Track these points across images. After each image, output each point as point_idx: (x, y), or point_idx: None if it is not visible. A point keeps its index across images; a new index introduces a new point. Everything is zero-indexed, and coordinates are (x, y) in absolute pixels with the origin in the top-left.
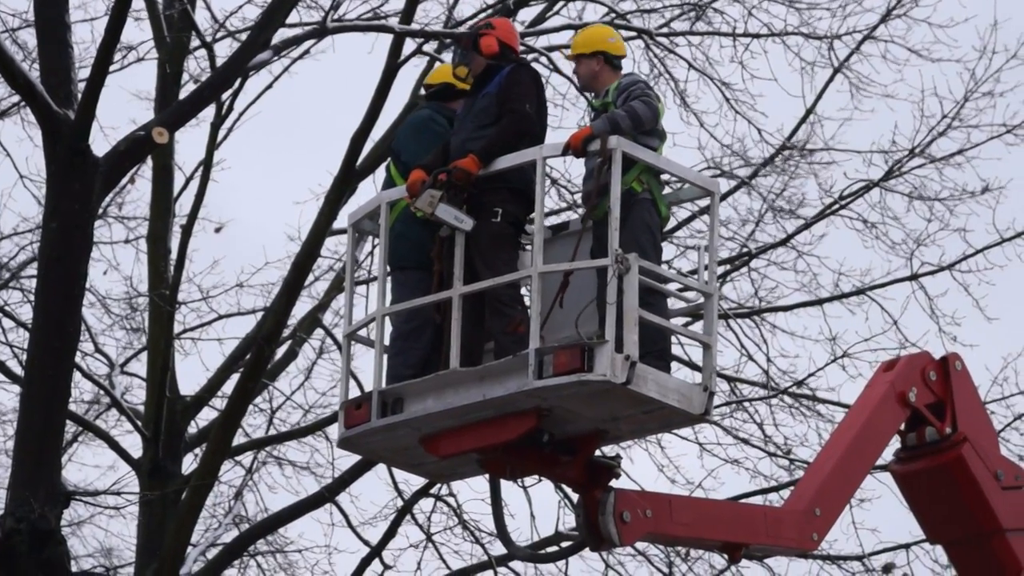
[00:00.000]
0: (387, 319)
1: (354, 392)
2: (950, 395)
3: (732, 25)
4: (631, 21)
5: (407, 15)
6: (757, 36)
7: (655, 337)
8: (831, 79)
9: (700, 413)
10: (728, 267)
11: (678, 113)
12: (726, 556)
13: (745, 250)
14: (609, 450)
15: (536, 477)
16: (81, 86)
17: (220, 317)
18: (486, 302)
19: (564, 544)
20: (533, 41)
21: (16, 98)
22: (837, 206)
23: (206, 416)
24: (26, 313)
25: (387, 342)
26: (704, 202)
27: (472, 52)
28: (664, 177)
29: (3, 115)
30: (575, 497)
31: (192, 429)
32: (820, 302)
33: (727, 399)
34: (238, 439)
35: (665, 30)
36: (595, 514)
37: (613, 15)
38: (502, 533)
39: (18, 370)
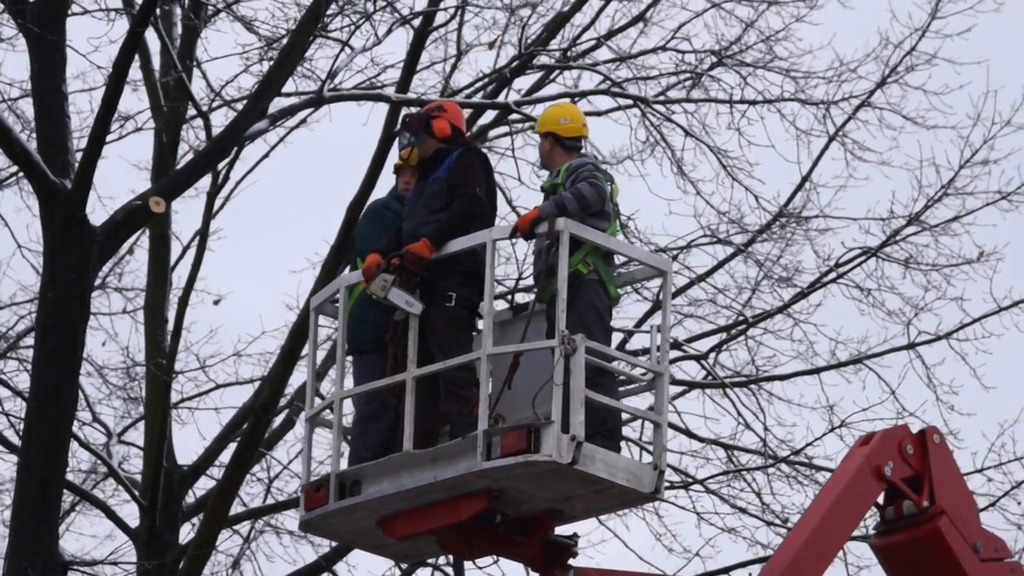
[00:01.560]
0: (349, 402)
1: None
2: (927, 468)
3: (728, 92)
4: (627, 89)
5: (403, 84)
6: (753, 103)
7: (604, 417)
8: (827, 146)
9: (651, 491)
10: (725, 335)
11: (674, 181)
12: None
13: (742, 318)
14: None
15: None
16: (78, 156)
17: (218, 386)
18: (441, 385)
19: None
20: (530, 110)
21: (14, 168)
22: (834, 274)
23: (203, 485)
24: (23, 382)
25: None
26: None
27: (423, 135)
28: (618, 259)
29: (1, 185)
30: None
31: (189, 498)
32: (817, 371)
33: (725, 468)
34: (235, 508)
35: (661, 98)
36: None
37: (609, 83)
38: None
39: (15, 440)
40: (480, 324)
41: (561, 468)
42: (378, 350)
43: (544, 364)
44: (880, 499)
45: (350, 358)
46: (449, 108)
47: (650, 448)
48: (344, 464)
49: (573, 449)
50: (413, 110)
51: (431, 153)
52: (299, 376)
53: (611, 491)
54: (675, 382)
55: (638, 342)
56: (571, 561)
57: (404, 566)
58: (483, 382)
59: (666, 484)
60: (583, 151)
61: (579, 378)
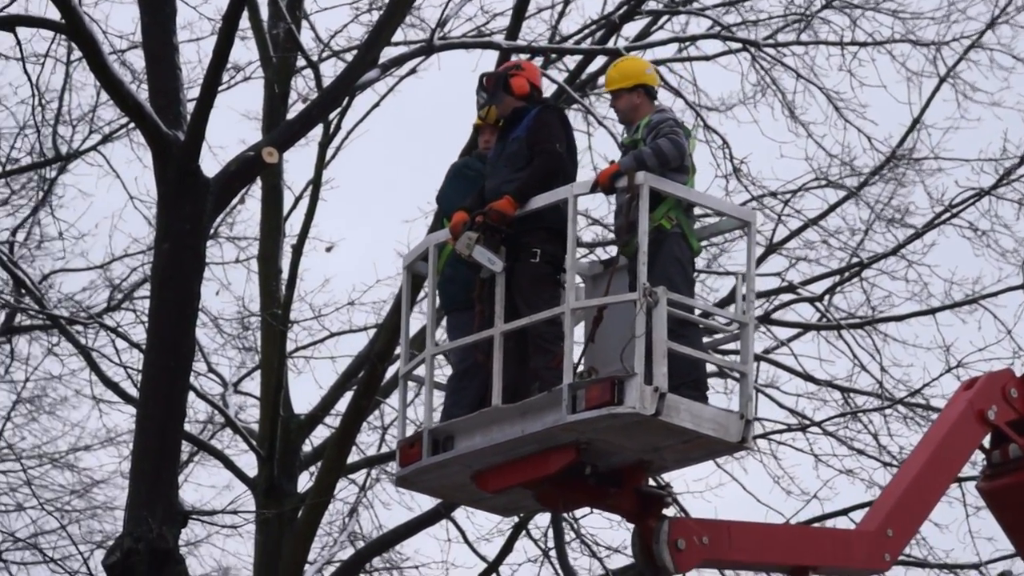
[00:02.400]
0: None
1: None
2: None
3: (839, 34)
4: (737, 33)
5: (512, 32)
6: (864, 44)
7: (689, 368)
8: (938, 87)
9: (738, 441)
10: (839, 277)
11: (786, 124)
12: None
13: (856, 260)
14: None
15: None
16: (190, 107)
17: (332, 335)
18: (529, 341)
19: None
20: (640, 55)
21: (125, 120)
22: (947, 215)
23: (320, 434)
24: (139, 334)
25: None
26: None
27: (502, 93)
28: (698, 211)
29: (112, 137)
30: None
31: (307, 447)
32: (932, 311)
33: (841, 409)
34: (352, 457)
35: (771, 41)
36: (650, 543)
37: (719, 28)
38: (562, 561)
39: (133, 391)
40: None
41: (645, 419)
42: (469, 308)
43: (632, 318)
44: (986, 443)
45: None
46: (527, 67)
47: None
48: (438, 420)
49: (656, 400)
50: (524, 57)
51: (509, 112)
52: (414, 323)
53: (698, 441)
54: (790, 324)
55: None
56: (665, 511)
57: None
58: (568, 336)
59: (782, 427)
60: (660, 105)
61: (661, 330)
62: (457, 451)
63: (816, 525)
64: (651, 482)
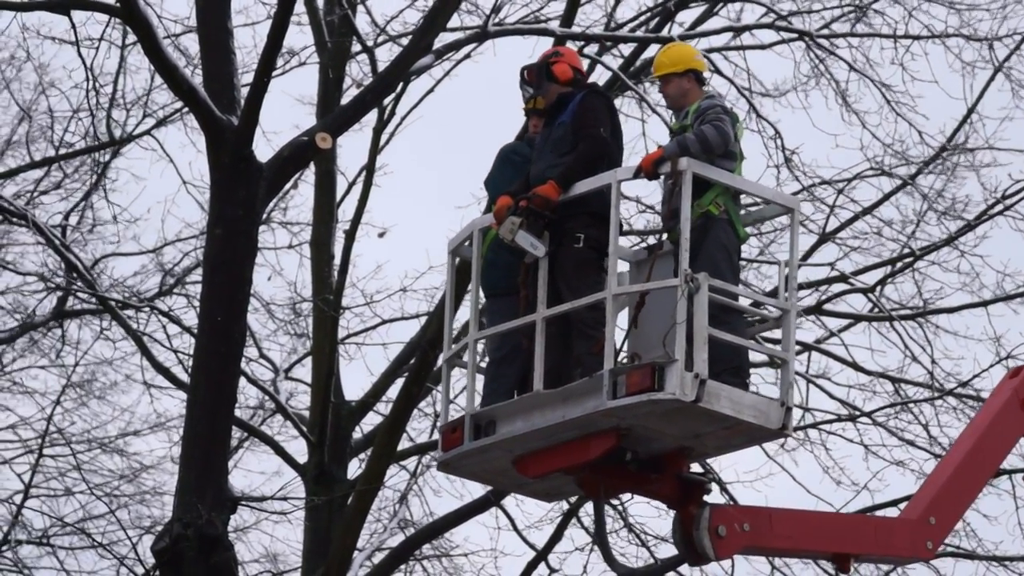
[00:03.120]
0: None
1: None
2: None
3: (893, 27)
4: (791, 22)
5: (567, 18)
6: (918, 38)
7: (730, 355)
8: (991, 79)
9: (778, 428)
10: (891, 268)
11: (839, 113)
12: (836, 567)
13: (908, 251)
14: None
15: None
16: (244, 91)
17: (384, 322)
18: (573, 326)
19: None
20: (694, 43)
21: (179, 104)
22: (1000, 206)
23: (371, 421)
24: (191, 319)
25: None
26: None
27: (545, 82)
28: (744, 200)
29: (166, 122)
30: None
31: (357, 434)
32: (984, 303)
33: (892, 400)
34: (403, 444)
35: (826, 31)
36: (691, 529)
37: (773, 16)
38: (604, 548)
39: (184, 377)
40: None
41: (685, 406)
42: (512, 293)
43: (674, 304)
44: None
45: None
46: (565, 52)
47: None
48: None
49: (697, 387)
50: (577, 45)
51: (555, 98)
52: (465, 311)
53: (739, 428)
54: (841, 315)
55: (801, 275)
56: (706, 497)
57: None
58: (610, 321)
59: (832, 417)
60: (710, 91)
61: (702, 316)
62: (498, 436)
63: (857, 513)
64: (693, 469)
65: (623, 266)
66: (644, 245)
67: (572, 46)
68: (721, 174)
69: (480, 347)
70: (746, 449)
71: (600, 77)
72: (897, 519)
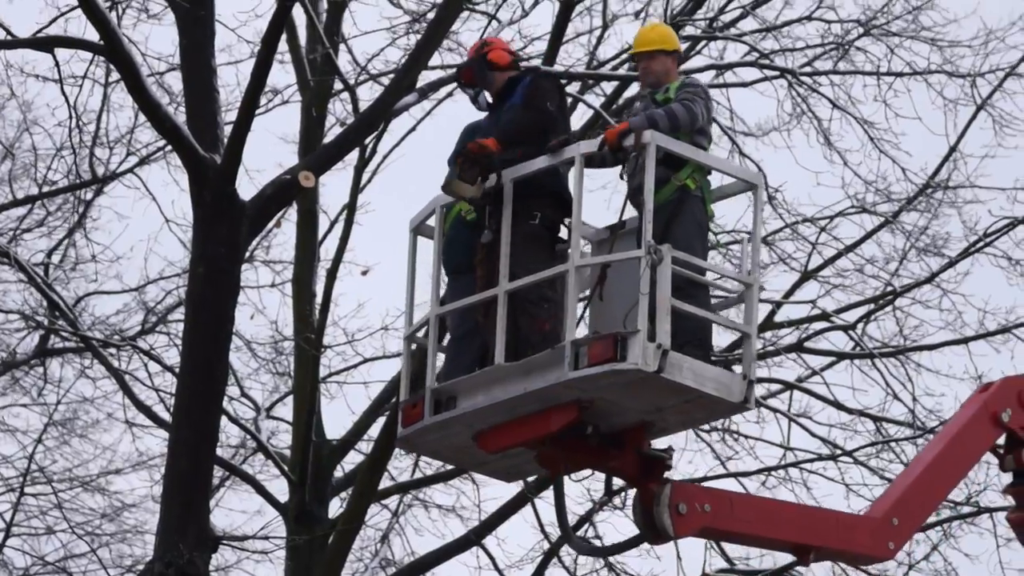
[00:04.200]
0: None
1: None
2: None
3: (875, 64)
4: (774, 60)
5: (550, 57)
6: (900, 75)
7: (694, 328)
8: (974, 116)
9: (740, 401)
10: (872, 306)
11: (821, 152)
12: (796, 558)
13: (889, 288)
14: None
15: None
16: (227, 130)
17: (365, 360)
18: (516, 304)
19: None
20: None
21: (162, 142)
22: (981, 244)
23: (352, 460)
24: (173, 357)
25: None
26: None
27: (488, 72)
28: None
29: (149, 160)
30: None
31: (338, 473)
32: (965, 340)
33: (873, 439)
34: (384, 482)
35: (808, 69)
36: (651, 506)
37: (756, 54)
38: (563, 526)
39: (166, 415)
40: (562, 247)
41: (648, 376)
42: (470, 271)
43: (637, 281)
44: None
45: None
46: (494, 41)
47: None
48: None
49: (659, 357)
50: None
51: (504, 84)
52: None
53: (700, 401)
54: (823, 352)
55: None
56: (667, 474)
57: (552, 541)
58: (571, 294)
59: (813, 456)
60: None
61: (665, 287)
62: (459, 410)
63: (822, 506)
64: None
65: (584, 247)
66: (606, 225)
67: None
68: (684, 147)
69: None
70: (707, 424)
71: (583, 115)
72: (860, 516)
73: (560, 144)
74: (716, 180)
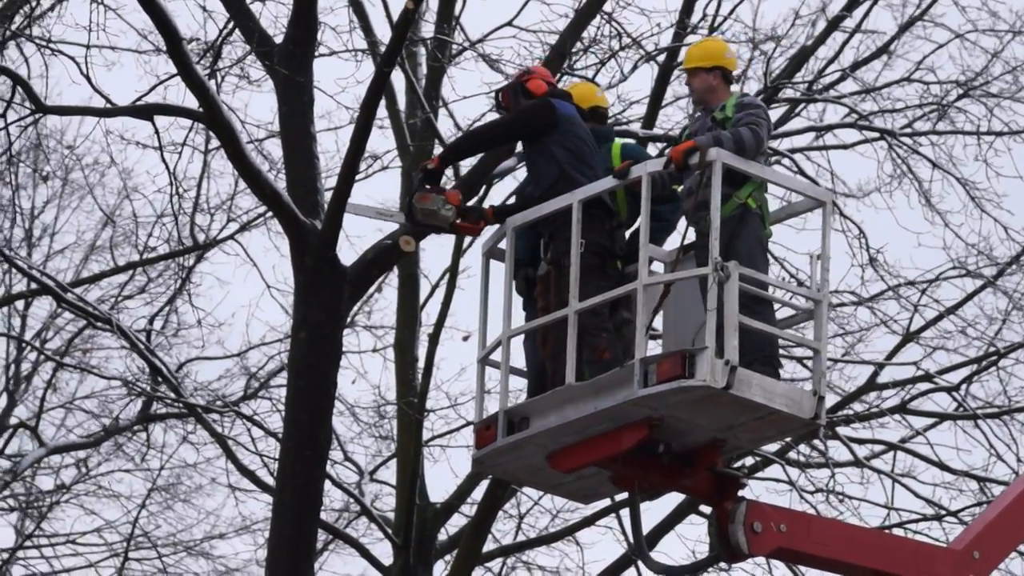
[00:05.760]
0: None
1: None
2: None
3: (975, 124)
4: (873, 121)
5: (649, 120)
6: (1000, 134)
7: (762, 344)
8: None
9: (811, 417)
10: (975, 366)
11: (922, 213)
12: None
13: (992, 349)
14: None
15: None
16: (327, 195)
17: (468, 423)
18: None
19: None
20: (777, 144)
21: (263, 209)
22: None
23: (456, 523)
24: (275, 422)
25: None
26: None
27: (523, 99)
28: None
29: (249, 226)
30: None
31: (442, 536)
32: None
33: (977, 499)
34: (488, 545)
35: (908, 130)
36: (726, 524)
37: (855, 116)
38: (639, 546)
39: (269, 480)
40: (619, 264)
41: (716, 393)
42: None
43: (701, 298)
44: None
45: None
46: (537, 69)
47: None
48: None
49: (727, 373)
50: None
51: None
52: None
53: (771, 418)
54: (926, 414)
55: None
56: (741, 492)
57: None
58: (640, 312)
59: (918, 516)
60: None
61: (732, 304)
62: (531, 430)
63: (900, 534)
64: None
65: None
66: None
67: (652, 149)
68: (751, 165)
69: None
70: (779, 441)
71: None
72: (941, 547)
73: (628, 165)
74: (773, 198)
